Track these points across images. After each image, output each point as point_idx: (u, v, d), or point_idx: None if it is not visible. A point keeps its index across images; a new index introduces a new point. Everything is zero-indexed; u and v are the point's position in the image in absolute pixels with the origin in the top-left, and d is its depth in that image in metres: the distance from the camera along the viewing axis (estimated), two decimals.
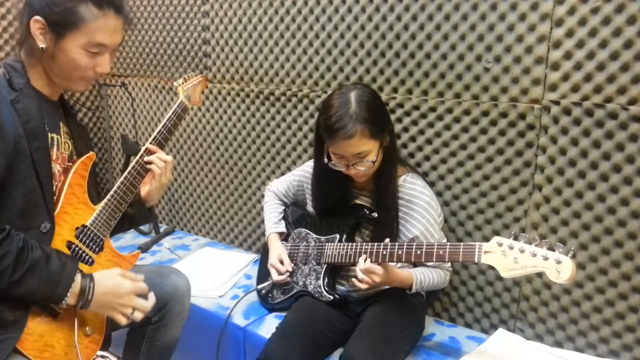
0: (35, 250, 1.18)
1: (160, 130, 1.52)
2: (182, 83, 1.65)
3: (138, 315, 1.33)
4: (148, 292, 1.37)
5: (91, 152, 1.41)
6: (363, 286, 1.45)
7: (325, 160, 1.58)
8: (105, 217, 1.40)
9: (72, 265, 1.24)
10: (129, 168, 1.46)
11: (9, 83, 1.23)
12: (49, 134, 1.28)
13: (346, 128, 1.46)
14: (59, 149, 1.32)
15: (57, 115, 1.35)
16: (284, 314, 1.67)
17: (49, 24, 1.21)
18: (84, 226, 1.36)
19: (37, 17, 1.21)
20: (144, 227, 2.56)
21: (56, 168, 1.31)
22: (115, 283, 1.30)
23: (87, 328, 1.33)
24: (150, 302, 1.36)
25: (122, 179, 1.44)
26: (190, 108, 1.67)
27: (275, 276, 1.72)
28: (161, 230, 2.56)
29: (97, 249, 1.38)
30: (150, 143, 1.50)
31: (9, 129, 1.17)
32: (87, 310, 1.31)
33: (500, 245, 1.25)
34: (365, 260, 1.45)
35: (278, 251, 1.76)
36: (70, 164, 1.37)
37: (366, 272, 1.43)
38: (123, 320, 1.31)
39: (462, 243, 1.33)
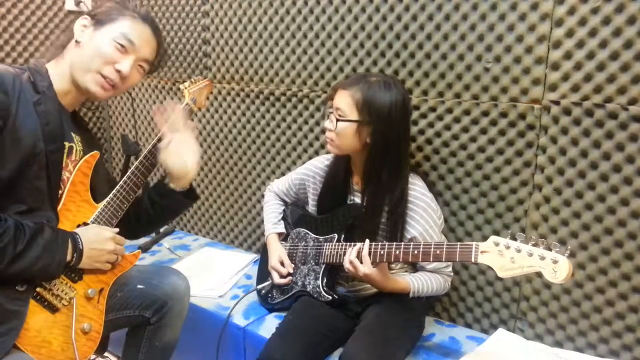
0: (28, 226, 1.21)
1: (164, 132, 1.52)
2: (189, 86, 1.66)
3: (120, 259, 1.42)
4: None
5: (95, 151, 1.42)
6: (352, 272, 1.48)
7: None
8: (108, 215, 1.41)
9: (64, 233, 1.28)
10: (132, 167, 1.46)
11: (33, 86, 1.27)
12: (65, 141, 1.32)
13: (351, 79, 1.57)
14: (74, 156, 1.36)
15: (72, 125, 1.39)
16: (283, 314, 1.67)
17: (93, 19, 1.35)
18: (85, 224, 1.37)
19: (85, 16, 1.36)
20: None
21: (65, 175, 1.33)
22: (97, 231, 1.36)
23: (85, 325, 1.34)
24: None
25: (125, 178, 1.44)
26: (195, 111, 1.67)
27: (277, 279, 1.72)
28: (161, 230, 2.56)
29: None
30: (155, 144, 1.50)
31: (28, 132, 1.22)
32: (85, 307, 1.32)
33: (496, 244, 1.25)
34: (359, 251, 1.47)
35: (278, 253, 1.76)
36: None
37: (351, 263, 1.47)
38: (109, 265, 1.38)
39: (458, 243, 1.33)
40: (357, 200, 1.67)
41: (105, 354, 2.06)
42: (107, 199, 1.41)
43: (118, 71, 1.32)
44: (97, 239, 1.34)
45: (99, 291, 1.39)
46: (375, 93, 1.50)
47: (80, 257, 1.29)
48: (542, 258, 1.18)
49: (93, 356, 1.40)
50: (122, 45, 1.32)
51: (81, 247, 1.28)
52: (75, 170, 1.36)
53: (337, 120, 1.52)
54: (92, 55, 1.30)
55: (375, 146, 1.53)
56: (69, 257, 1.26)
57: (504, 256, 1.23)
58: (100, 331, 1.39)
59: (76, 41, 1.32)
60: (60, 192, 1.32)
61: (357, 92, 1.51)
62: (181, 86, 1.65)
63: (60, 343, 1.28)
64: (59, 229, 1.29)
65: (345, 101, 1.52)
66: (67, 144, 1.34)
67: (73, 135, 1.38)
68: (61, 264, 1.24)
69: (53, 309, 1.27)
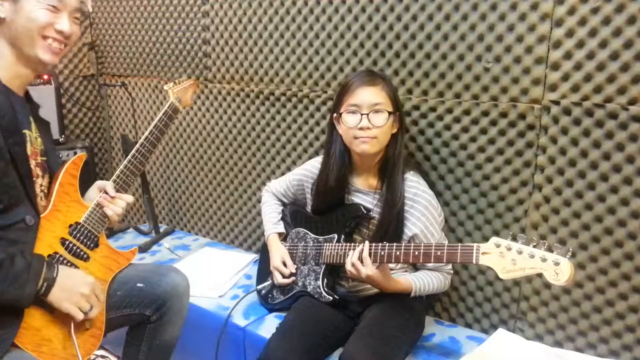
0: None
1: (151, 130, 1.56)
2: (173, 86, 1.69)
3: (93, 313, 1.31)
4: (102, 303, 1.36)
5: (82, 153, 1.44)
6: (354, 274, 1.47)
7: (339, 128, 1.61)
8: (99, 214, 1.42)
9: (38, 263, 1.22)
10: (121, 166, 1.48)
11: None
12: (24, 130, 1.29)
13: (371, 75, 1.60)
14: (32, 144, 1.33)
15: (26, 111, 1.35)
16: (284, 314, 1.67)
17: None
18: (77, 223, 1.38)
19: None
20: (144, 227, 2.56)
21: (32, 164, 1.31)
22: (79, 273, 1.31)
23: (85, 322, 1.34)
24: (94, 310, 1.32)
25: (114, 177, 1.46)
26: (180, 110, 1.70)
27: (279, 279, 1.72)
28: (161, 230, 2.56)
29: (92, 245, 1.40)
30: (142, 144, 1.53)
31: None
32: None
33: (498, 246, 1.25)
34: (360, 252, 1.46)
35: (280, 253, 1.76)
36: (45, 158, 1.38)
37: (353, 265, 1.46)
38: (80, 314, 1.27)
39: (460, 244, 1.33)
40: (356, 200, 1.67)
41: (105, 353, 2.07)
42: (98, 197, 1.42)
43: (60, 32, 1.28)
44: (76, 277, 1.29)
45: None
46: (391, 85, 1.61)
47: (50, 288, 1.22)
48: (544, 260, 1.17)
49: (93, 356, 1.40)
50: (52, 6, 1.26)
51: (55, 276, 1.23)
52: (62, 172, 1.37)
53: (381, 114, 1.53)
54: (28, 27, 1.24)
55: (400, 134, 1.60)
56: (39, 286, 1.20)
57: (505, 258, 1.23)
58: (102, 327, 1.39)
59: (2, 18, 1.25)
60: (36, 182, 1.30)
61: (385, 86, 1.57)
62: (165, 87, 1.70)
63: (60, 340, 1.28)
64: (33, 257, 1.24)
65: (380, 95, 1.55)
66: (27, 133, 1.30)
67: (31, 120, 1.35)
68: (31, 296, 1.19)
69: (51, 307, 1.27)
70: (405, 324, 1.55)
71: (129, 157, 1.50)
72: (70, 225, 1.37)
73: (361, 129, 1.53)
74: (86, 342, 1.34)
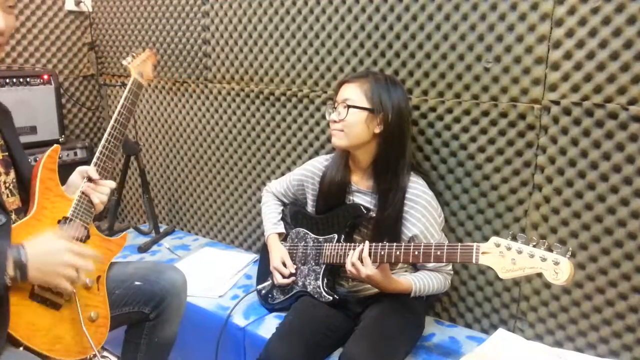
0: None
1: (119, 111, 1.54)
2: (132, 61, 1.67)
3: (82, 277, 1.25)
4: (89, 255, 1.28)
5: (56, 145, 1.41)
6: (355, 274, 1.47)
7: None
8: (85, 204, 1.40)
9: (2, 248, 1.15)
10: (97, 153, 1.46)
11: None
12: None
13: (357, 74, 1.64)
14: None
15: None
16: (283, 314, 1.67)
17: None
18: (65, 218, 1.36)
19: None
20: (144, 227, 2.56)
21: None
22: (48, 242, 1.22)
23: (91, 313, 1.35)
24: (89, 264, 1.26)
25: (92, 164, 1.44)
26: (144, 85, 1.67)
27: (279, 279, 1.72)
28: (161, 230, 2.56)
29: (83, 238, 1.39)
30: (113, 126, 1.50)
31: None
32: (87, 297, 1.32)
33: (497, 245, 1.25)
34: (360, 252, 1.46)
35: (280, 253, 1.76)
36: (6, 153, 1.34)
37: (353, 265, 1.46)
38: (68, 285, 1.22)
39: (459, 244, 1.33)
40: (356, 200, 1.67)
41: (105, 353, 2.07)
42: (80, 188, 1.40)
43: None
44: (47, 249, 1.20)
45: (97, 279, 1.40)
46: (382, 84, 1.57)
47: (25, 273, 1.15)
48: (544, 259, 1.17)
49: (93, 356, 1.41)
50: None
51: (25, 261, 1.14)
52: (40, 168, 1.34)
53: (349, 107, 1.54)
54: None
55: (387, 135, 1.56)
56: (11, 273, 1.13)
57: (505, 257, 1.23)
58: (107, 316, 1.41)
59: None
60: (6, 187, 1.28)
61: (366, 83, 1.56)
62: (124, 62, 1.66)
63: (72, 336, 1.29)
64: None
65: (354, 91, 1.56)
66: None
67: None
68: (2, 283, 1.12)
69: (56, 305, 1.28)
70: (405, 324, 1.56)
71: (103, 142, 1.48)
72: (59, 221, 1.34)
73: (333, 121, 1.58)
74: (95, 333, 1.36)
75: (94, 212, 1.42)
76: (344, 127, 1.56)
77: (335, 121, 1.58)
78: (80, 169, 1.46)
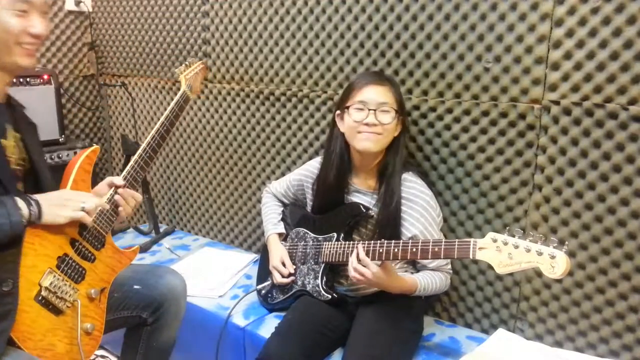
0: None
1: (163, 122, 1.51)
2: (184, 70, 1.62)
3: (90, 202, 1.29)
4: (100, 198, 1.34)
5: (95, 146, 1.40)
6: (360, 278, 1.45)
7: (341, 126, 1.62)
8: (108, 213, 1.40)
9: (9, 198, 1.18)
10: (128, 167, 1.46)
11: None
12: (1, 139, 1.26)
13: (380, 76, 1.64)
14: (5, 154, 1.29)
15: (3, 119, 1.32)
16: (283, 313, 1.67)
17: None
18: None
19: None
20: (144, 227, 2.56)
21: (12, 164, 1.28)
22: (59, 191, 1.29)
23: (87, 325, 1.33)
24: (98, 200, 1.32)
25: (124, 173, 1.44)
26: (192, 99, 1.64)
27: (278, 278, 1.72)
28: (161, 230, 2.56)
29: (99, 246, 1.39)
30: (153, 136, 1.48)
31: None
32: (88, 307, 1.31)
33: (494, 241, 1.25)
34: (357, 256, 1.44)
35: (279, 253, 1.76)
36: (20, 167, 1.33)
37: (355, 270, 1.44)
38: (81, 213, 1.26)
39: (457, 239, 1.33)
40: (355, 199, 1.67)
41: (105, 353, 2.07)
42: (107, 197, 1.40)
43: (35, 35, 1.26)
44: (54, 193, 1.28)
45: (101, 291, 1.39)
46: (398, 88, 1.64)
47: (39, 208, 1.19)
48: (540, 254, 1.18)
49: (93, 356, 1.40)
50: (21, 10, 1.24)
51: (35, 199, 1.20)
52: (76, 167, 1.34)
53: (395, 111, 1.55)
54: (4, 38, 1.22)
55: (403, 140, 1.62)
56: (25, 211, 1.17)
57: (502, 252, 1.23)
58: (101, 330, 1.39)
59: None
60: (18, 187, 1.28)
61: (392, 87, 1.60)
62: (177, 71, 1.61)
63: (64, 345, 1.27)
64: (3, 197, 1.20)
65: (387, 95, 1.57)
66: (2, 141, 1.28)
67: (7, 127, 1.32)
68: (19, 222, 1.16)
69: (57, 311, 1.26)
70: (405, 323, 1.55)
71: (139, 151, 1.46)
72: (80, 225, 1.33)
73: (367, 124, 1.53)
74: (87, 345, 1.34)
75: (115, 221, 1.41)
76: (384, 130, 1.55)
77: (375, 124, 1.53)
78: (108, 180, 1.45)
